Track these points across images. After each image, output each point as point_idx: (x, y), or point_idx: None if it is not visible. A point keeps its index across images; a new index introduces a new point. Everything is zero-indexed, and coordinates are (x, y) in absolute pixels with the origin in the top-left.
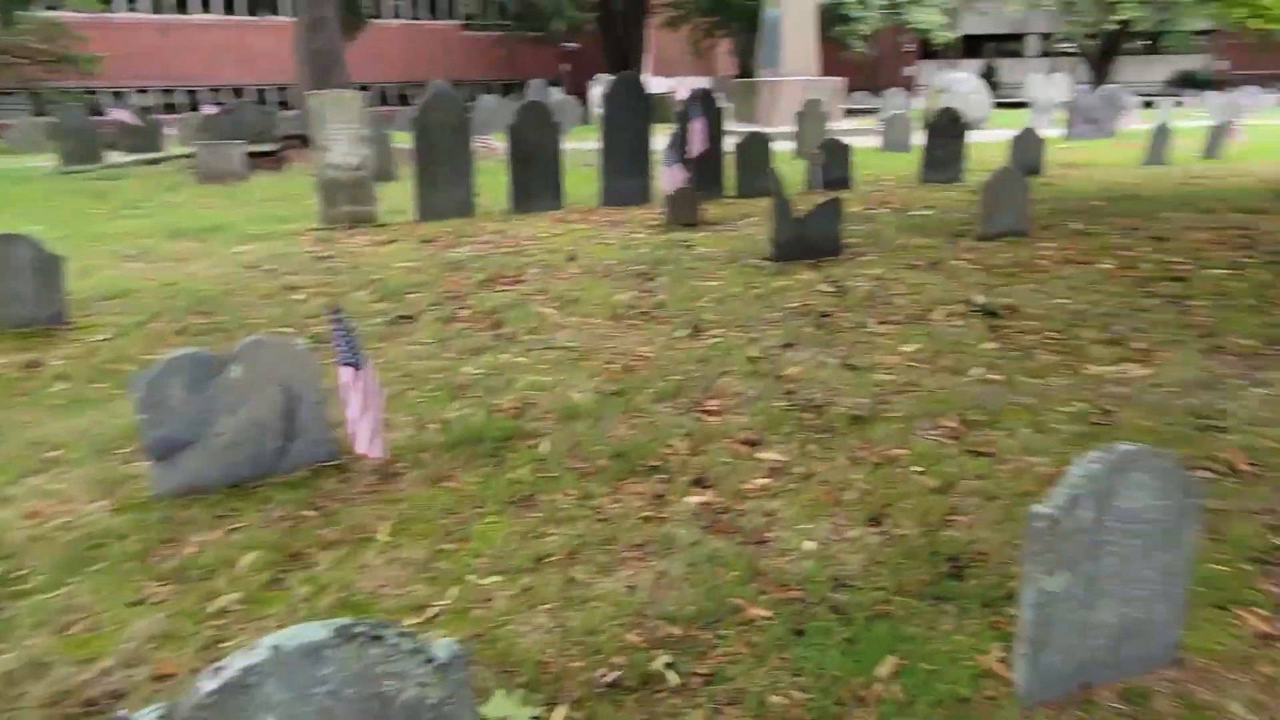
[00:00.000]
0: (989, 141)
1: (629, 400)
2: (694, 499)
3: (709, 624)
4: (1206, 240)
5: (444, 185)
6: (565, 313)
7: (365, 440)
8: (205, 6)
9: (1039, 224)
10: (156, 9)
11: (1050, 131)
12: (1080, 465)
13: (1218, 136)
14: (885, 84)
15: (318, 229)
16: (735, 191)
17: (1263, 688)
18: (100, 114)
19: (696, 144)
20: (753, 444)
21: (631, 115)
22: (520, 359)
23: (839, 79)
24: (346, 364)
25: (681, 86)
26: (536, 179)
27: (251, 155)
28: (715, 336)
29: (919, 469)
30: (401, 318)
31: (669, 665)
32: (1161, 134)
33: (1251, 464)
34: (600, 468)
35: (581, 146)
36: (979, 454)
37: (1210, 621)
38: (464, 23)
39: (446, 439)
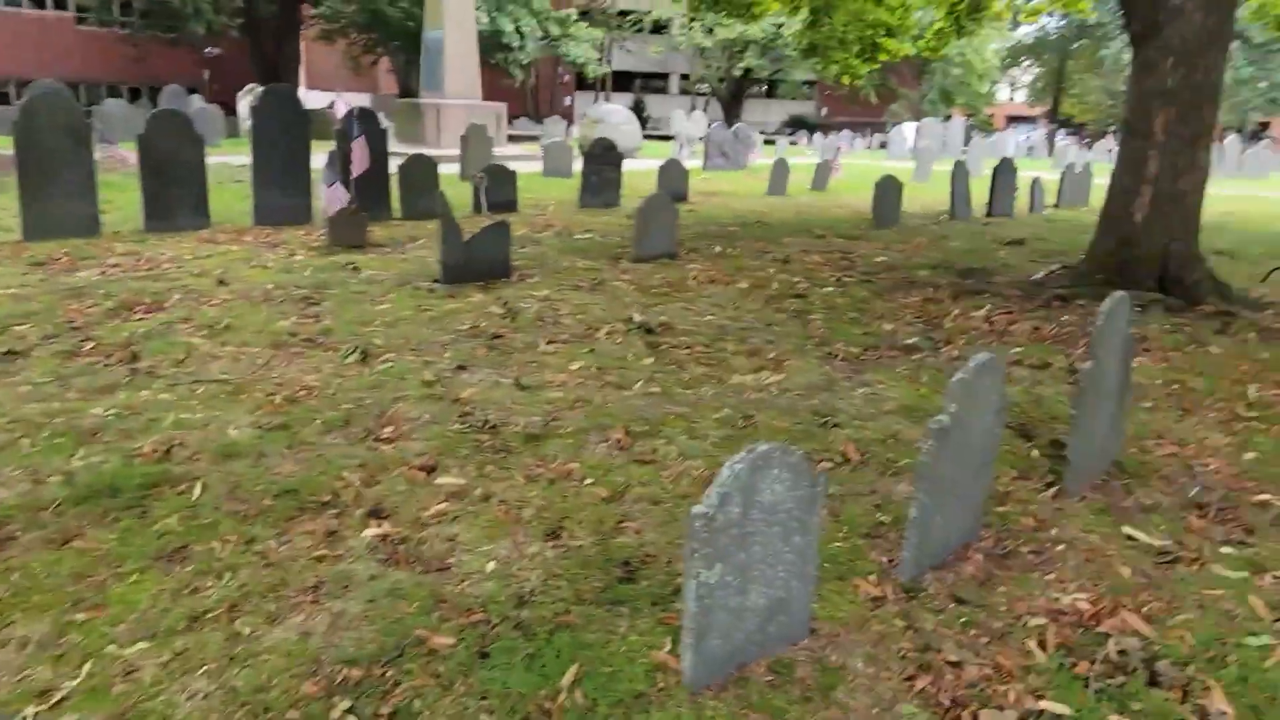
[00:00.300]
0: (640, 170)
1: (295, 434)
2: (371, 532)
3: (391, 660)
4: (819, 262)
5: (58, 199)
6: (217, 342)
7: None
8: None
9: (686, 247)
10: None
11: (691, 163)
12: (728, 466)
13: (823, 172)
14: (547, 112)
15: None
16: (401, 213)
17: (876, 643)
18: None
19: (358, 164)
20: (430, 470)
21: (286, 130)
22: (164, 395)
23: (501, 105)
24: None
25: (340, 102)
26: (176, 195)
27: None
28: (387, 362)
29: (591, 481)
30: (6, 354)
31: (349, 711)
32: (781, 168)
33: (860, 453)
34: (265, 508)
35: (230, 160)
36: (644, 462)
37: (835, 593)
38: (79, 15)
39: (72, 493)
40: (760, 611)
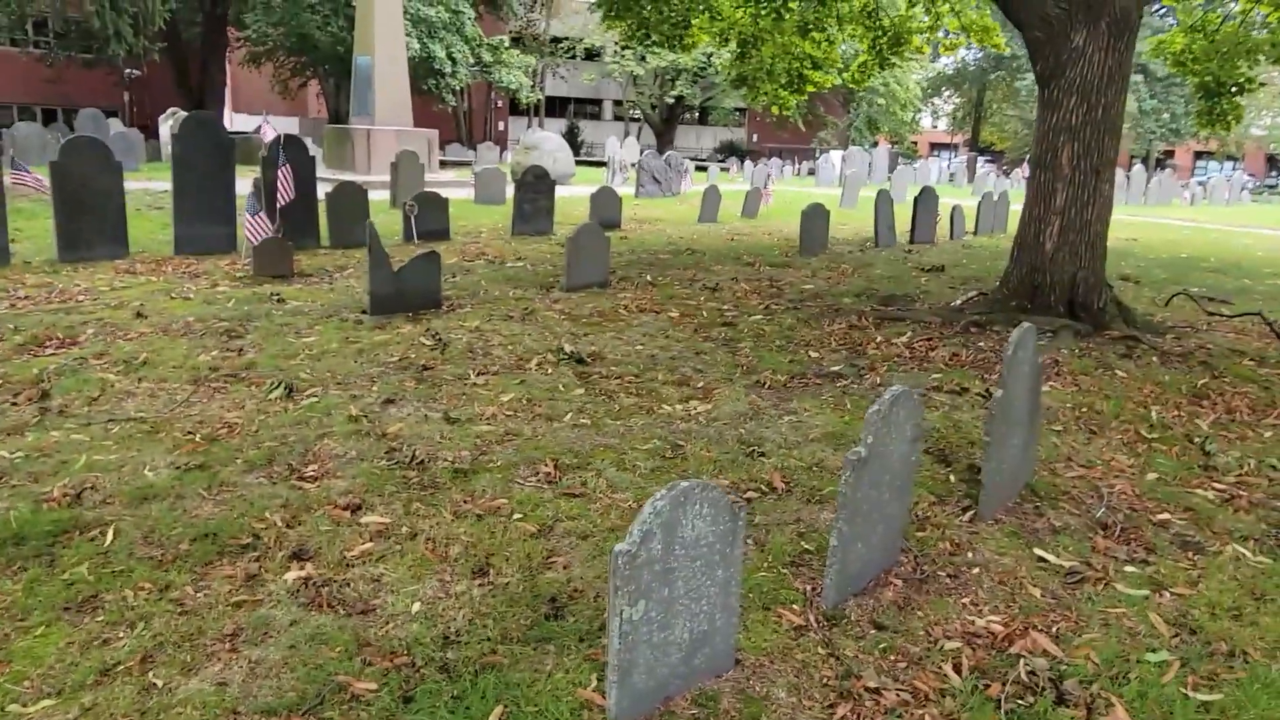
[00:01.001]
0: (574, 197)
1: (214, 474)
2: (292, 575)
3: (312, 709)
4: (748, 290)
5: None
6: (133, 378)
7: None
8: None
9: (618, 276)
10: None
11: (625, 189)
12: (650, 503)
13: (754, 200)
14: (480, 138)
15: None
16: (330, 242)
17: (798, 672)
18: None
19: (284, 192)
20: (355, 508)
21: (209, 156)
22: (77, 436)
23: (433, 130)
24: None
25: (267, 125)
26: (92, 224)
27: None
28: (312, 397)
29: (519, 516)
30: None
31: None
32: (713, 195)
33: (785, 481)
34: (182, 553)
35: (151, 186)
36: (573, 496)
37: (760, 623)
38: None
39: None
40: (684, 645)
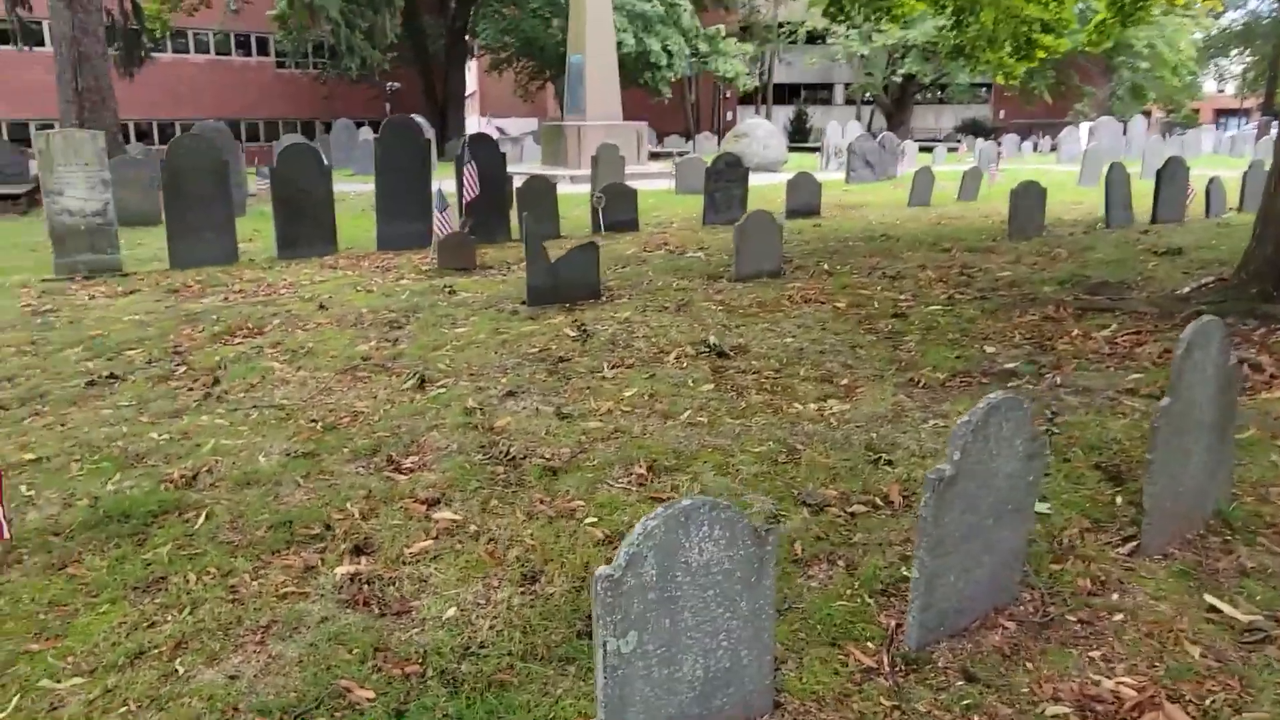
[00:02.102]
0: (778, 184)
1: (318, 462)
2: (345, 569)
3: (305, 713)
4: (933, 278)
5: (200, 231)
6: (293, 366)
7: None
8: None
9: (795, 264)
10: None
11: (837, 175)
12: (641, 523)
13: (972, 181)
14: (709, 127)
15: (48, 280)
16: (519, 235)
17: None
18: None
19: (469, 189)
20: (433, 503)
21: (407, 158)
22: (220, 420)
23: (641, 123)
24: None
25: (491, 128)
26: (304, 224)
27: None
28: (441, 388)
29: (593, 520)
30: (107, 378)
31: None
32: (923, 177)
33: (904, 494)
34: (255, 540)
35: None
36: (658, 500)
37: (821, 660)
38: (278, 60)
39: (89, 517)
40: (698, 684)
